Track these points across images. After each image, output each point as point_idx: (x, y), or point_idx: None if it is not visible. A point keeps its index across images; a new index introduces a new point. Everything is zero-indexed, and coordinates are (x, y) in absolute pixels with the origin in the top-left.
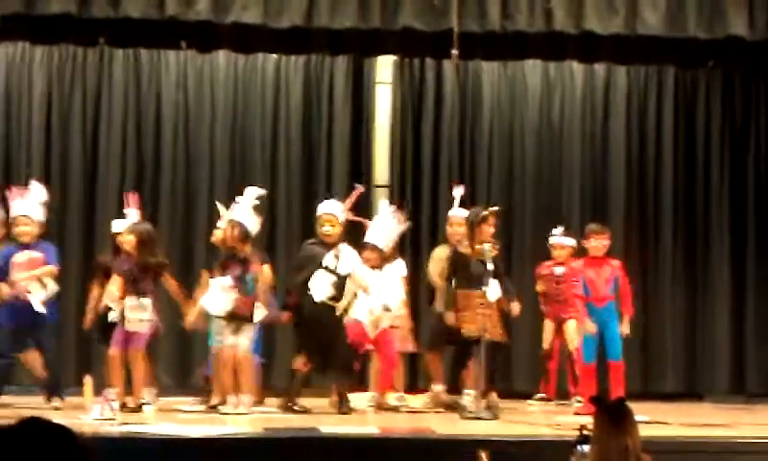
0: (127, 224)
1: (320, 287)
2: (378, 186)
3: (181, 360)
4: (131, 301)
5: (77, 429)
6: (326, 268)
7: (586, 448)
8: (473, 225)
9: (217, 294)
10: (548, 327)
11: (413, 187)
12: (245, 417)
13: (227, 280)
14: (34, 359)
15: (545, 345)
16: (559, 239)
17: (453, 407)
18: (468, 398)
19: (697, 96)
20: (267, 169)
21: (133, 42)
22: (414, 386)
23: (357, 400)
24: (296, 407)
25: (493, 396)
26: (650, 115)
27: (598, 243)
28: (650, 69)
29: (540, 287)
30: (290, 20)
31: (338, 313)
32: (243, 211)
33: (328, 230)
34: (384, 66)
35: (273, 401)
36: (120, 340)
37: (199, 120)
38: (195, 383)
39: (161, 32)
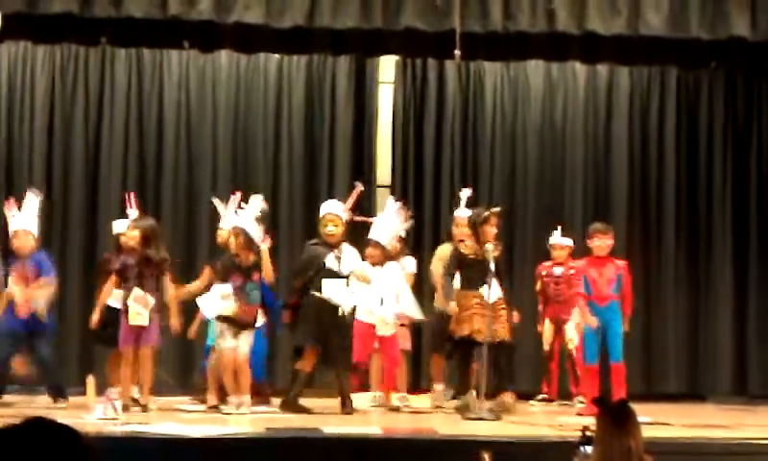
0: (128, 223)
1: (337, 293)
2: (380, 186)
3: (182, 360)
4: (135, 292)
5: (80, 429)
6: (329, 270)
7: (588, 449)
8: (476, 225)
9: (215, 300)
10: (548, 327)
11: (415, 187)
12: (247, 417)
13: (227, 288)
14: (20, 365)
15: (546, 346)
16: (558, 240)
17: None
18: (471, 398)
19: (699, 97)
20: (269, 169)
21: (136, 42)
22: (416, 386)
23: (360, 400)
24: (298, 407)
25: (506, 396)
26: (652, 116)
27: (602, 243)
28: (653, 70)
29: (539, 287)
30: (292, 20)
31: (340, 314)
32: (247, 219)
33: (332, 230)
34: (386, 66)
35: (277, 402)
36: (128, 338)
37: (201, 120)
38: (195, 383)
39: (163, 31)
